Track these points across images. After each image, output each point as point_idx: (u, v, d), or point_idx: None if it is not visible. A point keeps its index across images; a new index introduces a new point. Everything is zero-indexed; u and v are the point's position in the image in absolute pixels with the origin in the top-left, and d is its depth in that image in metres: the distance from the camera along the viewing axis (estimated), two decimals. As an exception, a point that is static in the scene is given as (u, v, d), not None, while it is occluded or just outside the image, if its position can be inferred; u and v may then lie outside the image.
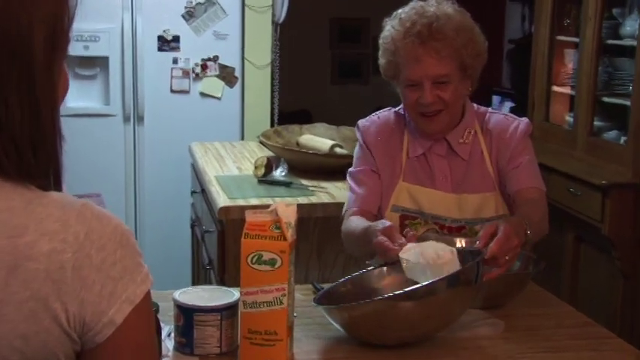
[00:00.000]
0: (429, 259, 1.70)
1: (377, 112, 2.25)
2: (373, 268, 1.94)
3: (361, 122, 2.24)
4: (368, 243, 1.89)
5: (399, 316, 1.66)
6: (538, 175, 2.14)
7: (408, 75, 2.06)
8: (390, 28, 2.10)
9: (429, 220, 2.11)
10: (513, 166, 2.11)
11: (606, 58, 3.79)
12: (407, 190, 2.13)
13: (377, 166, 2.16)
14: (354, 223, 2.07)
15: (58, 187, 1.01)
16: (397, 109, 2.22)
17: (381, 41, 2.13)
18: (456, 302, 1.70)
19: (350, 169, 2.22)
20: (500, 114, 2.22)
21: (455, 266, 1.70)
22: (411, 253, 1.74)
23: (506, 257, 1.77)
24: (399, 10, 2.11)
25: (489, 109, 2.23)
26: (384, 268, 1.89)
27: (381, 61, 2.13)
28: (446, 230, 2.10)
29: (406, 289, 1.66)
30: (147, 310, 1.01)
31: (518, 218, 1.92)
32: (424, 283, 1.66)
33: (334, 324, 1.76)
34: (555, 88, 4.17)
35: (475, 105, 2.21)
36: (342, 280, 1.92)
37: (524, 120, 2.18)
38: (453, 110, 2.10)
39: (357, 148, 2.24)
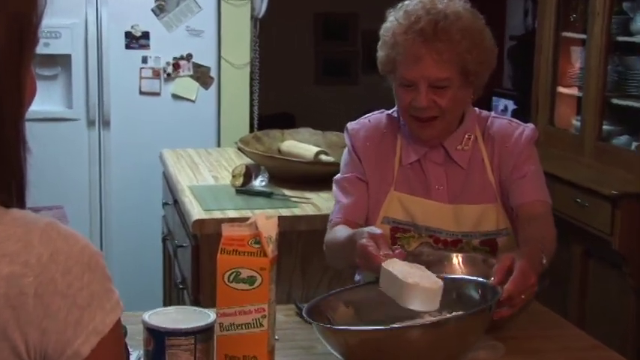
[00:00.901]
0: (412, 281, 1.69)
1: (368, 115, 2.25)
2: (362, 285, 1.94)
3: (350, 125, 2.25)
4: (353, 249, 1.88)
5: (403, 345, 1.64)
6: (544, 187, 2.14)
7: (404, 73, 2.07)
8: (392, 19, 2.10)
9: (423, 232, 2.12)
10: (517, 177, 2.11)
11: (616, 57, 3.83)
12: (399, 200, 2.14)
13: (365, 173, 2.17)
14: (339, 232, 2.08)
15: (20, 203, 1.00)
16: (391, 111, 2.23)
17: (381, 32, 2.13)
18: (466, 335, 1.70)
19: (336, 176, 2.23)
20: (503, 119, 2.23)
21: (435, 299, 1.69)
22: (396, 267, 1.74)
23: (522, 296, 1.78)
24: (406, 2, 2.11)
25: (492, 114, 2.23)
26: (375, 285, 1.89)
27: (379, 53, 2.14)
28: (441, 244, 2.11)
29: (416, 323, 1.65)
30: (116, 340, 1.00)
31: (534, 248, 1.91)
32: (435, 319, 1.66)
33: (326, 344, 1.74)
34: (561, 89, 4.20)
35: (477, 109, 2.21)
36: (330, 293, 1.90)
37: (530, 126, 2.19)
38: (449, 118, 2.10)
39: (344, 153, 2.25)
